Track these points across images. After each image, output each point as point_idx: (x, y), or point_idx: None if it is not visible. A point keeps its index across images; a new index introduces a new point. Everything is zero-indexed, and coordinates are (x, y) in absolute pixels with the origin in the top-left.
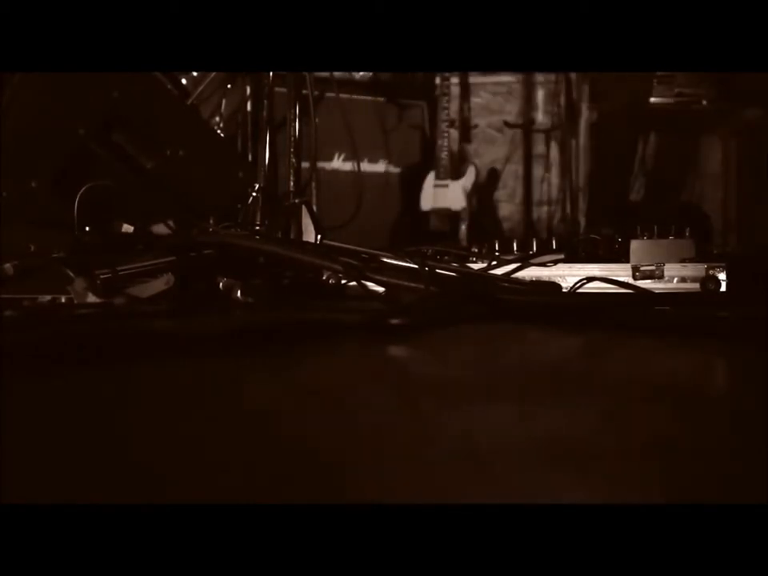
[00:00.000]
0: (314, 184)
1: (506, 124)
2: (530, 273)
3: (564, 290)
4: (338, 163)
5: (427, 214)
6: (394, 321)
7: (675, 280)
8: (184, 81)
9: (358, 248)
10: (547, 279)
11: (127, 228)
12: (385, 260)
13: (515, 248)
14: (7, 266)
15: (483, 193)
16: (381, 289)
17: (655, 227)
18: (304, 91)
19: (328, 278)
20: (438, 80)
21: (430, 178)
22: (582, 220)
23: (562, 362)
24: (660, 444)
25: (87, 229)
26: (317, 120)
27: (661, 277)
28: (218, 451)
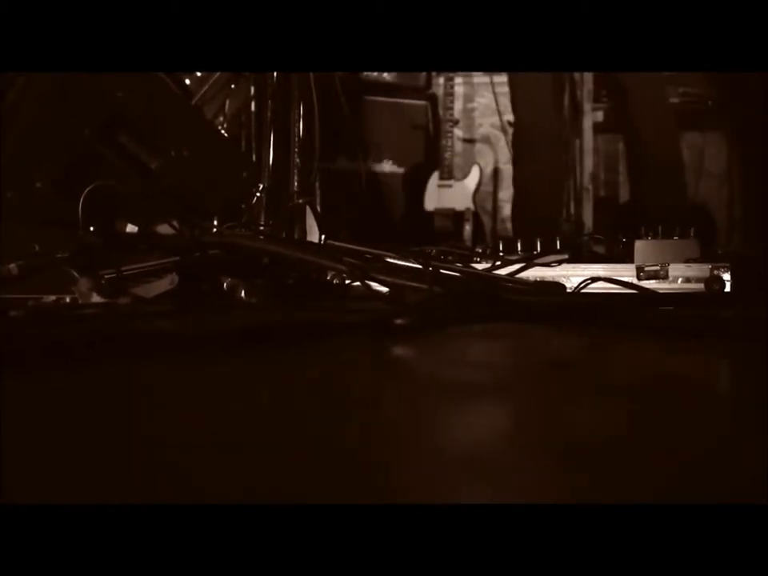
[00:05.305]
0: (317, 184)
1: (510, 124)
2: (534, 273)
3: (568, 290)
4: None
5: (431, 213)
6: (398, 321)
7: (679, 280)
8: (188, 81)
9: (362, 248)
10: (551, 279)
11: (131, 228)
12: (389, 260)
13: (519, 248)
14: (12, 265)
15: (487, 193)
16: (385, 289)
17: (660, 227)
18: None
19: (332, 278)
20: (441, 80)
21: (434, 178)
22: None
23: (565, 361)
24: (661, 443)
25: (92, 229)
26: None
27: (665, 277)
28: (220, 451)
